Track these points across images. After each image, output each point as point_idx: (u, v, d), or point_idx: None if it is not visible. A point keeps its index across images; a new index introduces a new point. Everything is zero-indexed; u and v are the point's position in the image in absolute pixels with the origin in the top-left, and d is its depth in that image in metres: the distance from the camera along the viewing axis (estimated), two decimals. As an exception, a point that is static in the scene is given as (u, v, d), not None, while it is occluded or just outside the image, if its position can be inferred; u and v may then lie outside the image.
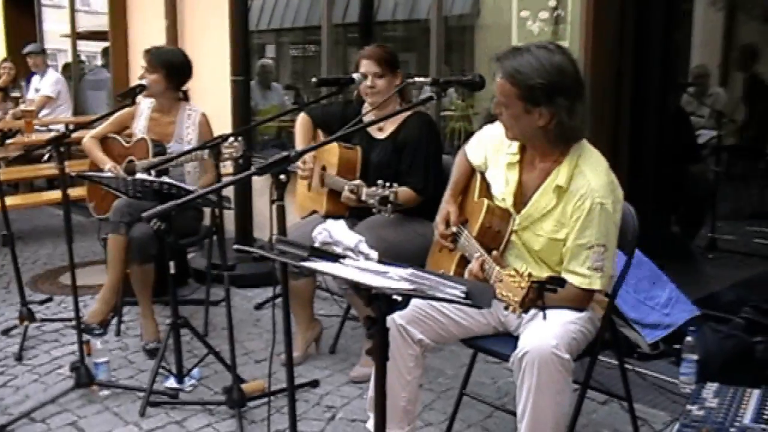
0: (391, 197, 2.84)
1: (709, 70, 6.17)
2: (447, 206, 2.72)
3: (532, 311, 2.38)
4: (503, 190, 2.52)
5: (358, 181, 3.13)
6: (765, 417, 2.30)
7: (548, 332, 2.22)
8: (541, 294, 1.94)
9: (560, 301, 2.26)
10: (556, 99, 2.26)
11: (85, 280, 4.45)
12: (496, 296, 2.00)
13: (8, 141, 6.46)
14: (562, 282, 1.93)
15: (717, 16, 6.70)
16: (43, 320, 4.16)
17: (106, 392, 3.32)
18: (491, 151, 2.61)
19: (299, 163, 3.55)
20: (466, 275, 2.37)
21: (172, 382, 3.36)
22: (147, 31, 6.67)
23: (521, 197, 2.47)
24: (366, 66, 3.40)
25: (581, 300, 2.36)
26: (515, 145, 2.50)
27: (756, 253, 5.20)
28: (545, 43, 2.35)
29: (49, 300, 4.61)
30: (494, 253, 2.31)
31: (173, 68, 4.00)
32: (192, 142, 4.00)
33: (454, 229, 2.64)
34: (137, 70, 4.27)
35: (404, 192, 3.16)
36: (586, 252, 2.32)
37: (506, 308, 1.99)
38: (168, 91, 4.04)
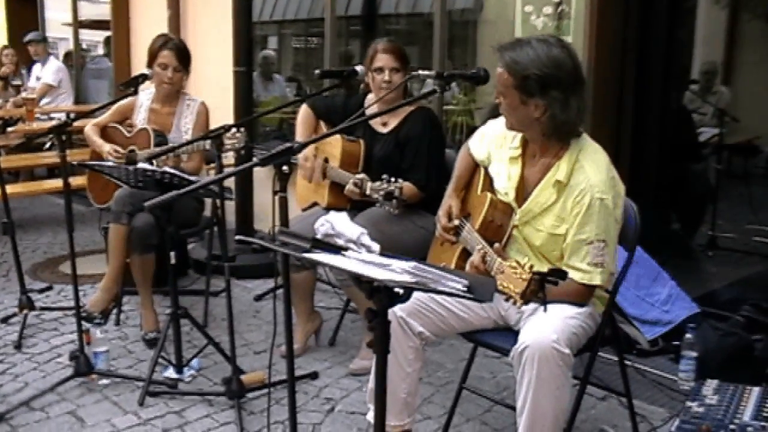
0: (396, 192, 2.84)
1: (716, 67, 6.17)
2: (449, 200, 2.72)
3: (533, 306, 2.39)
4: (505, 185, 2.52)
5: (362, 175, 3.12)
6: (765, 414, 2.30)
7: (548, 327, 2.22)
8: (543, 286, 1.94)
9: (561, 296, 2.26)
10: (550, 91, 2.28)
11: (84, 269, 4.45)
12: (498, 288, 2.01)
13: (9, 129, 6.41)
14: (563, 274, 1.93)
15: (720, 14, 6.68)
16: (42, 309, 4.16)
17: (105, 381, 3.32)
18: (494, 145, 2.62)
19: (302, 161, 3.52)
20: (467, 267, 2.37)
21: (171, 373, 3.36)
22: (149, 21, 6.66)
23: (523, 192, 2.48)
24: (384, 60, 3.36)
25: (582, 295, 2.36)
26: (518, 140, 2.51)
27: (756, 251, 5.20)
28: (547, 36, 2.37)
29: (49, 288, 4.61)
30: (496, 245, 2.31)
31: (190, 62, 4.03)
32: (189, 131, 4.00)
33: (456, 222, 2.64)
34: (139, 59, 4.25)
35: (407, 187, 3.15)
36: (586, 247, 2.32)
37: (507, 300, 1.99)
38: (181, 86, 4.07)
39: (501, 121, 2.55)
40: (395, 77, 3.36)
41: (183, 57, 3.96)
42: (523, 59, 2.28)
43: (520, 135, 2.50)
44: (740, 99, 6.18)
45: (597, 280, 2.33)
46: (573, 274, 2.30)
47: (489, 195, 2.51)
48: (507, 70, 2.31)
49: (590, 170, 2.33)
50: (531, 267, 1.94)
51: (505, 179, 2.53)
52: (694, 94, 5.90)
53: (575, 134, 2.39)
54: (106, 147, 3.96)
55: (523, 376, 2.20)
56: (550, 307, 2.35)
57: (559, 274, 1.91)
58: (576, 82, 2.32)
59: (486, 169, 2.65)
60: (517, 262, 1.99)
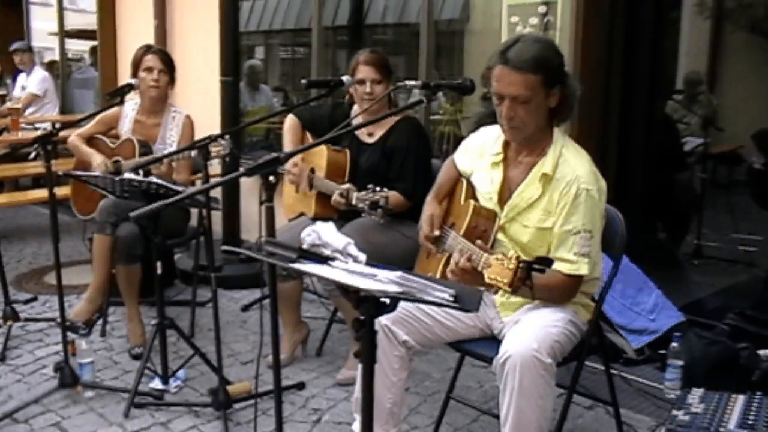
0: (382, 202, 2.83)
1: (701, 77, 6.22)
2: (430, 208, 2.71)
3: (516, 316, 2.40)
4: (488, 189, 2.54)
5: (348, 185, 3.12)
6: (749, 422, 2.31)
7: (529, 336, 2.22)
8: (529, 274, 1.95)
9: (548, 289, 2.29)
10: (566, 74, 2.39)
11: (70, 280, 4.42)
12: (485, 282, 2.02)
13: (-6, 139, 6.41)
14: (549, 262, 1.94)
15: (704, 25, 6.75)
16: (27, 320, 4.12)
17: (90, 393, 3.29)
18: (476, 156, 2.64)
19: (289, 167, 3.52)
20: (451, 265, 2.35)
21: (157, 383, 3.34)
22: (136, 31, 6.65)
23: (507, 192, 2.49)
24: (365, 72, 3.36)
25: (569, 287, 2.37)
26: (498, 145, 2.54)
27: (740, 260, 5.24)
28: (525, 33, 2.43)
29: (34, 299, 4.57)
30: (478, 241, 2.30)
31: (174, 70, 4.02)
32: (174, 144, 3.98)
33: (437, 232, 2.63)
34: (125, 69, 4.23)
35: (394, 196, 3.15)
36: (572, 238, 2.33)
37: (495, 292, 2.00)
38: (166, 94, 4.05)
39: (481, 132, 2.61)
40: (377, 89, 3.36)
41: (167, 62, 3.97)
42: (542, 53, 2.31)
43: (501, 140, 2.52)
44: (724, 108, 6.24)
45: (584, 270, 2.34)
46: (560, 266, 2.32)
47: (472, 202, 2.53)
48: (532, 71, 2.29)
49: (575, 163, 2.38)
50: (517, 257, 1.97)
51: (488, 183, 2.55)
52: (678, 103, 5.94)
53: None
54: (98, 158, 3.94)
55: (506, 386, 2.20)
56: (531, 315, 2.36)
57: (545, 262, 1.92)
58: None
59: (468, 179, 2.67)
60: (503, 254, 2.02)
